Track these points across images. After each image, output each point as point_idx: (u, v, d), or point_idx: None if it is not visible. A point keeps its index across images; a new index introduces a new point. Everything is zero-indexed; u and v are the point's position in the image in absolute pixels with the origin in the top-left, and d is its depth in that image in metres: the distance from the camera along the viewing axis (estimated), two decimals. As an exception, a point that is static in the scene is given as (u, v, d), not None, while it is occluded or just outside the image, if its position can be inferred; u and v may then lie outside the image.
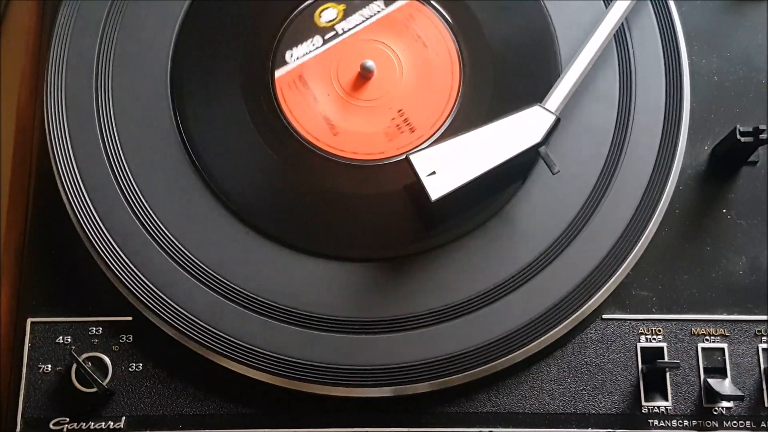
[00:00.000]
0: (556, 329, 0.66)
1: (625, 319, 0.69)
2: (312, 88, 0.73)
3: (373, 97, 0.73)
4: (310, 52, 0.74)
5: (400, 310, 0.67)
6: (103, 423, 0.67)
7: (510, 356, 0.66)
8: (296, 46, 0.74)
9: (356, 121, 0.72)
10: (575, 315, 0.67)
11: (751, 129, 0.69)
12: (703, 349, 0.68)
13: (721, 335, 0.69)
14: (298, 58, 0.74)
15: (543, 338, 0.66)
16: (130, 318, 0.69)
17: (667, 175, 0.69)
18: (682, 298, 0.70)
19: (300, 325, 0.67)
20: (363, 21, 0.74)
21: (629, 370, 0.68)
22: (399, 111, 0.72)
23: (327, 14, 0.74)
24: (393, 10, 0.75)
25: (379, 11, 0.74)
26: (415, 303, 0.67)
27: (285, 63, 0.74)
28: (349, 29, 0.74)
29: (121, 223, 0.69)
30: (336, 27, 0.74)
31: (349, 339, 0.66)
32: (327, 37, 0.74)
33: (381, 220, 0.70)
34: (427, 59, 0.73)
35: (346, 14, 0.74)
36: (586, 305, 0.67)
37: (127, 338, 0.69)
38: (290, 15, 0.75)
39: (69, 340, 0.69)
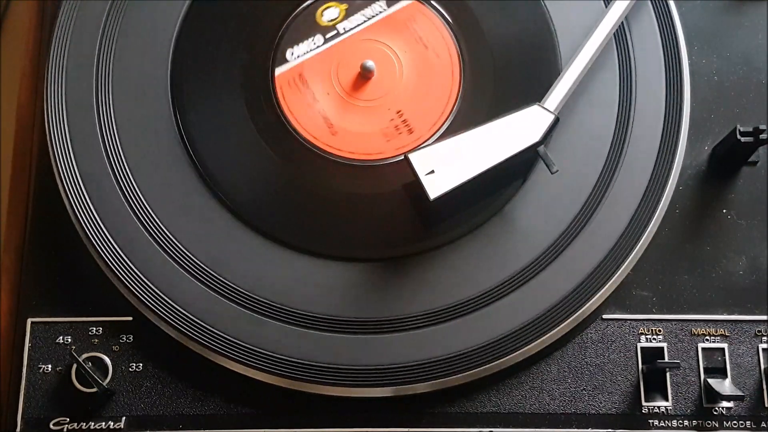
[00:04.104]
0: (556, 329, 0.66)
1: (625, 319, 0.69)
2: (312, 87, 0.73)
3: (373, 97, 0.73)
4: (311, 50, 0.74)
5: (399, 310, 0.67)
6: (103, 423, 0.67)
7: (510, 356, 0.66)
8: (297, 45, 0.74)
9: (355, 121, 0.72)
10: (575, 315, 0.67)
11: (751, 129, 0.69)
12: (703, 349, 0.68)
13: (721, 335, 0.69)
14: (298, 57, 0.74)
15: (543, 338, 0.66)
16: (130, 318, 0.69)
17: (667, 175, 0.69)
18: (682, 298, 0.70)
19: (300, 324, 0.67)
20: (365, 21, 0.74)
21: (629, 370, 0.68)
22: (398, 112, 0.72)
23: (329, 13, 0.74)
24: (395, 11, 0.75)
25: (381, 12, 0.74)
26: (414, 303, 0.67)
27: (285, 61, 0.74)
28: (351, 29, 0.74)
29: (121, 223, 0.69)
30: (337, 26, 0.74)
31: (349, 339, 0.66)
32: (328, 36, 0.74)
33: (380, 220, 0.70)
34: (428, 60, 0.73)
35: (348, 14, 0.74)
36: (586, 305, 0.67)
37: (127, 338, 0.69)
38: (292, 13, 0.75)
39: (69, 340, 0.69)
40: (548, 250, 0.68)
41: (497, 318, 0.67)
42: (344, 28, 0.74)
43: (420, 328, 0.67)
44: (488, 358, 0.66)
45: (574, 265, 0.68)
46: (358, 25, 0.74)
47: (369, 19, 0.74)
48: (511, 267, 0.68)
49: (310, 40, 0.74)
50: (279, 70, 0.73)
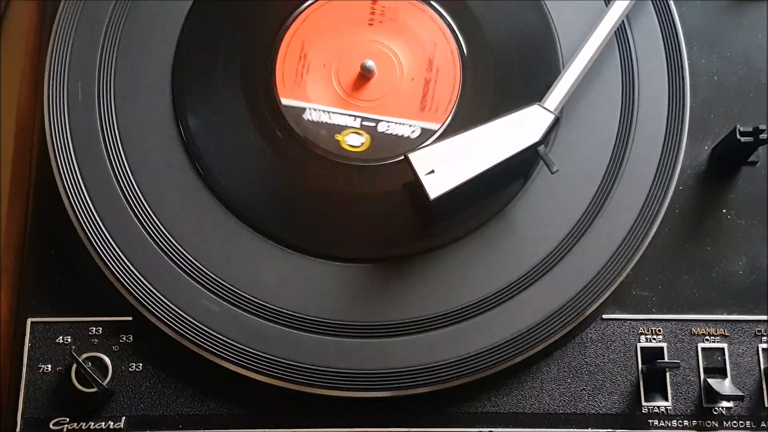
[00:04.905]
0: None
1: (625, 319, 0.69)
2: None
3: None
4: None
5: (399, 313, 0.67)
6: (103, 423, 0.67)
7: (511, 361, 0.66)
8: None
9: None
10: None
11: (751, 129, 0.69)
12: (703, 349, 0.68)
13: (721, 335, 0.69)
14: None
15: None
16: (130, 318, 0.69)
17: (671, 175, 0.69)
18: (682, 298, 0.70)
19: (299, 328, 0.67)
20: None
21: (629, 370, 0.68)
22: None
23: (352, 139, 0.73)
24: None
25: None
26: (415, 306, 0.67)
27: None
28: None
29: (120, 223, 0.69)
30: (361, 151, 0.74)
31: (349, 343, 0.66)
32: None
33: (381, 220, 0.70)
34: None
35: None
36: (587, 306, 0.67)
37: (127, 338, 0.69)
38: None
39: (69, 340, 0.69)
40: (551, 253, 0.68)
41: (498, 322, 0.67)
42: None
43: (420, 332, 0.67)
44: (489, 364, 0.66)
45: (576, 268, 0.68)
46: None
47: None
48: (513, 269, 0.68)
49: None
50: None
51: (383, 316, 0.67)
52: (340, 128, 0.71)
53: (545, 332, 0.66)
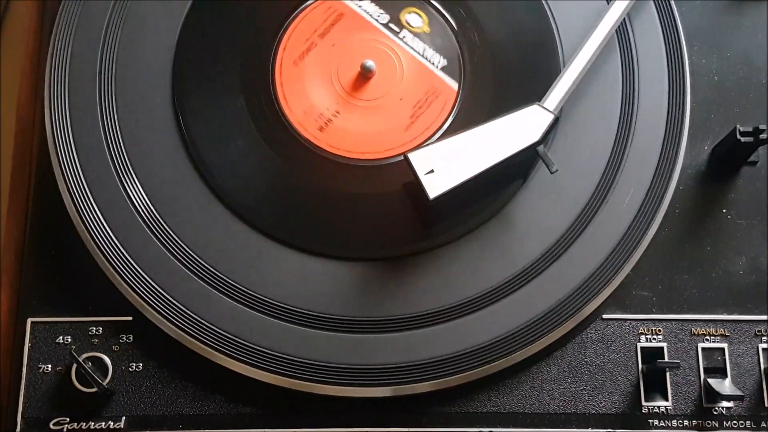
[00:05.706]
0: (556, 330, 0.66)
1: (625, 319, 0.69)
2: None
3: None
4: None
5: (399, 310, 0.67)
6: (103, 423, 0.67)
7: (510, 357, 0.66)
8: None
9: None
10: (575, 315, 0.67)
11: (751, 129, 0.69)
12: (703, 349, 0.68)
13: (721, 335, 0.69)
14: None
15: (543, 339, 0.66)
16: (130, 318, 0.69)
17: (670, 175, 0.69)
18: (682, 298, 0.70)
19: (300, 324, 0.67)
20: (415, 52, 0.74)
21: (629, 370, 0.68)
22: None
23: (413, 19, 0.73)
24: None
25: (431, 64, 0.74)
26: (414, 303, 0.67)
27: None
28: (404, 44, 0.74)
29: (121, 223, 0.69)
30: (407, 31, 0.74)
31: (349, 338, 0.66)
32: (390, 26, 0.74)
33: (381, 219, 0.70)
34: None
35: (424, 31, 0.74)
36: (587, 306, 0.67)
37: (127, 338, 0.69)
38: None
39: (69, 340, 0.69)
40: (549, 250, 0.68)
41: (497, 319, 0.67)
42: (403, 37, 0.74)
43: (420, 327, 0.67)
44: (488, 359, 0.66)
45: (575, 266, 0.68)
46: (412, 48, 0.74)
47: (420, 54, 0.74)
48: (512, 267, 0.68)
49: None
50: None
51: (383, 312, 0.67)
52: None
53: (543, 330, 0.66)
